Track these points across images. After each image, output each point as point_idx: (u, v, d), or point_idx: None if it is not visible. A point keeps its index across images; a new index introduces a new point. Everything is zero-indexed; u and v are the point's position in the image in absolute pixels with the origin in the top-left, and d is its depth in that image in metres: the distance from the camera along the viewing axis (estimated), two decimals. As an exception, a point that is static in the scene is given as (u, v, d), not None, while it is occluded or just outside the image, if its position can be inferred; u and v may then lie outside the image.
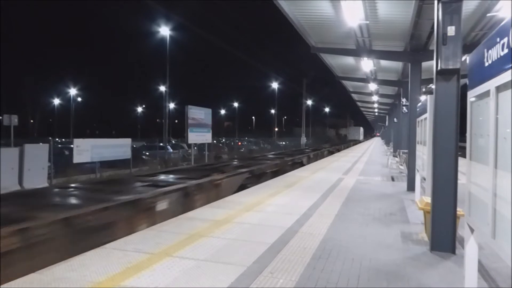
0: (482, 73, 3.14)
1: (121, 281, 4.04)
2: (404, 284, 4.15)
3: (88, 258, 4.75)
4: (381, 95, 29.38)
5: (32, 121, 72.42)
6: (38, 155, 12.66)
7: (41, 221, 6.33)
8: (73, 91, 69.59)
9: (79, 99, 77.03)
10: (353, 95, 34.57)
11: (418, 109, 8.95)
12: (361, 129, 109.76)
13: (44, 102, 75.48)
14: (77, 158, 14.58)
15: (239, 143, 44.05)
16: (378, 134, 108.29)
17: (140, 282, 4.04)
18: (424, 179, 7.41)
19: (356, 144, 66.10)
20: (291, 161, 23.09)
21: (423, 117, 7.73)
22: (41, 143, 14.49)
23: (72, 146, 15.28)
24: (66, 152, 16.91)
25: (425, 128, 7.23)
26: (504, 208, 2.67)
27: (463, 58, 5.53)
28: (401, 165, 15.96)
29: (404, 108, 14.90)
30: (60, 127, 72.48)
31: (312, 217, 7.25)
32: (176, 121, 78.14)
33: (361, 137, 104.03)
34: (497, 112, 2.83)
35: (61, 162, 15.28)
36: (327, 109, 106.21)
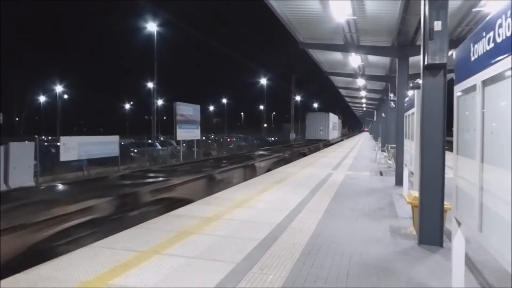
0: (468, 68, 3.15)
1: (109, 280, 3.99)
2: (394, 279, 4.18)
3: (76, 257, 4.69)
4: (369, 90, 29.55)
5: (17, 119, 71.25)
6: (23, 153, 12.43)
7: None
8: (59, 89, 68.63)
9: (66, 96, 76.06)
10: (341, 90, 34.73)
11: (405, 104, 9.02)
12: (332, 116, 51.60)
13: (30, 99, 74.38)
14: (64, 156, 14.32)
15: (228, 140, 43.94)
16: (366, 129, 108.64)
17: (129, 280, 4.00)
18: (412, 173, 7.48)
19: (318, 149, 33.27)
20: (281, 156, 23.11)
21: (410, 111, 7.79)
22: (26, 141, 14.23)
23: (58, 143, 15.05)
24: (53, 150, 16.66)
25: (412, 122, 7.28)
26: (490, 201, 2.70)
27: (450, 53, 5.58)
28: (389, 159, 16.11)
29: (392, 103, 14.98)
30: (47, 124, 71.59)
31: (302, 213, 7.26)
32: (165, 117, 77.72)
33: (333, 135, 51.37)
34: (483, 107, 2.85)
35: (47, 160, 15.05)
36: (316, 105, 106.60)
